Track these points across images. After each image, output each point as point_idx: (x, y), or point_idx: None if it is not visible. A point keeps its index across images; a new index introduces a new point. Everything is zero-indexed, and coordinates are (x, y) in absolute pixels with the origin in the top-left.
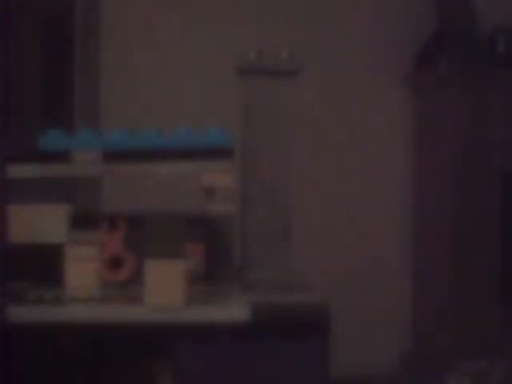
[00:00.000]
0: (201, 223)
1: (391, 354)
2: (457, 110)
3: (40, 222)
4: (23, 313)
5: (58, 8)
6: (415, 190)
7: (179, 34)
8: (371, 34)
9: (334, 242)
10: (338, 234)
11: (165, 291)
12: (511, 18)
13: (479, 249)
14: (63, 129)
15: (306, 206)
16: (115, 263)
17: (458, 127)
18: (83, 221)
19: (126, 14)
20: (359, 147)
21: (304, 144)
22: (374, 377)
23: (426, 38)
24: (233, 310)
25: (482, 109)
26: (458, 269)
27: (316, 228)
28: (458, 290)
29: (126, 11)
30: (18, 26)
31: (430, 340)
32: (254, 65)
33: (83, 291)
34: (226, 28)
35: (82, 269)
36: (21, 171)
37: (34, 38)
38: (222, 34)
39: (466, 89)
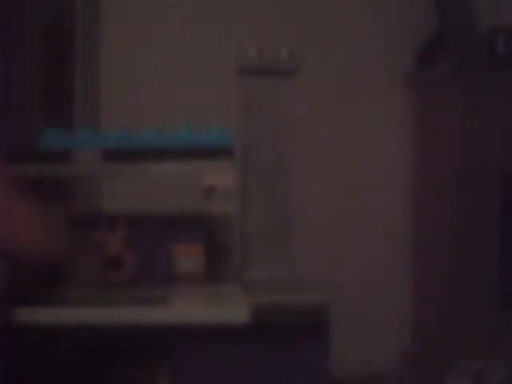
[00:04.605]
0: (201, 223)
1: (391, 354)
2: (457, 110)
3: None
4: (27, 314)
5: (58, 8)
6: (415, 190)
7: (179, 34)
8: (371, 34)
9: (334, 242)
10: (338, 233)
11: None
12: (511, 18)
13: (479, 249)
14: (63, 129)
15: (306, 205)
16: (115, 263)
17: (458, 126)
18: (83, 221)
19: (126, 13)
20: (359, 147)
21: (304, 144)
22: (374, 377)
23: (426, 38)
24: (233, 311)
25: (482, 108)
26: (457, 269)
27: (316, 228)
28: (458, 290)
29: (125, 11)
30: (18, 26)
31: (430, 340)
32: (253, 64)
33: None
34: (226, 28)
35: None
36: (21, 171)
37: (34, 38)
38: (221, 33)
39: (466, 88)
